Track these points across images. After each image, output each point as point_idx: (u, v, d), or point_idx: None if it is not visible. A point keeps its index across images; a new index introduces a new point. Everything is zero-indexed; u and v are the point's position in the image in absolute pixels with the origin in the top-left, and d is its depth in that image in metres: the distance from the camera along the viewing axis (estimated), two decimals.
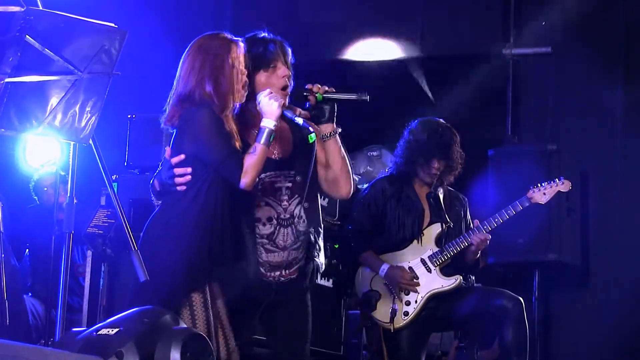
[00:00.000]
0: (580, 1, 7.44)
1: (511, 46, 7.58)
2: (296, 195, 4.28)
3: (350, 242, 5.67)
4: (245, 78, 4.15)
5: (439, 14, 7.67)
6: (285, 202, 4.27)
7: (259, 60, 4.26)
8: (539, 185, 5.66)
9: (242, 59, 4.15)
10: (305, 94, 4.28)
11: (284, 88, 4.26)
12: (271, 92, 4.13)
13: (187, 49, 4.21)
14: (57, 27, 2.89)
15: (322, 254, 4.40)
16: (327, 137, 4.31)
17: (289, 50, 4.33)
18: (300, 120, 4.23)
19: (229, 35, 4.20)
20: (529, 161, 7.10)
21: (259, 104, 4.14)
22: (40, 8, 2.92)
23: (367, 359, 6.14)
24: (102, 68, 2.96)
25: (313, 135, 4.19)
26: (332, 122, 4.29)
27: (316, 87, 4.27)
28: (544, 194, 5.64)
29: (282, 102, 4.15)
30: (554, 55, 7.54)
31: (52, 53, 2.86)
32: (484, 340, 6.42)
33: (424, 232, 5.63)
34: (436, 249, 5.60)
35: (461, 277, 5.61)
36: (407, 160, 5.66)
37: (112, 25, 3.42)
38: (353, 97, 4.26)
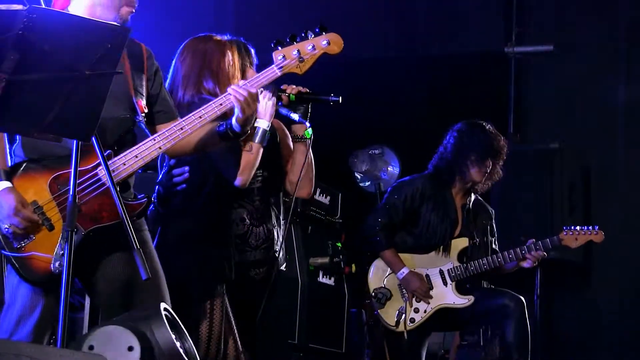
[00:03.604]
0: None
1: (513, 44, 7.57)
2: (266, 194, 4.31)
3: (376, 236, 5.59)
4: (240, 80, 4.16)
5: (441, 12, 7.67)
6: (257, 202, 4.29)
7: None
8: (572, 228, 5.55)
9: (236, 60, 4.16)
10: (279, 93, 4.27)
11: None
12: (263, 91, 4.10)
13: (179, 53, 4.21)
14: (60, 25, 2.89)
15: (281, 249, 4.41)
16: (299, 138, 4.34)
17: (252, 51, 4.33)
18: (296, 117, 4.23)
19: (220, 37, 4.21)
20: (531, 160, 7.10)
21: None
22: (43, 6, 2.92)
23: (370, 357, 6.14)
24: (105, 67, 2.95)
25: (310, 130, 4.20)
26: (305, 124, 4.29)
27: (290, 88, 4.28)
28: (576, 239, 5.54)
29: (275, 100, 4.14)
30: (556, 54, 7.54)
31: (54, 52, 2.85)
32: (485, 339, 6.41)
33: (451, 243, 5.59)
34: (457, 264, 5.56)
35: (474, 298, 5.56)
36: (456, 158, 5.57)
37: (115, 24, 3.43)
38: (325, 98, 4.25)
